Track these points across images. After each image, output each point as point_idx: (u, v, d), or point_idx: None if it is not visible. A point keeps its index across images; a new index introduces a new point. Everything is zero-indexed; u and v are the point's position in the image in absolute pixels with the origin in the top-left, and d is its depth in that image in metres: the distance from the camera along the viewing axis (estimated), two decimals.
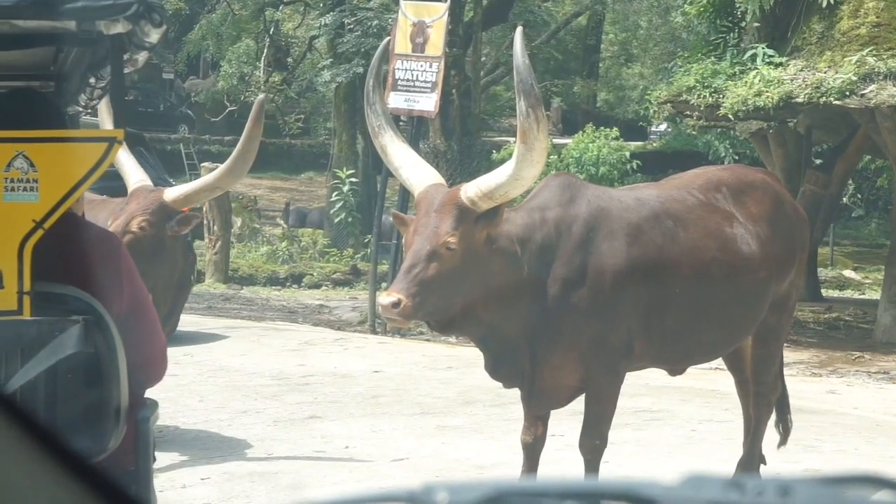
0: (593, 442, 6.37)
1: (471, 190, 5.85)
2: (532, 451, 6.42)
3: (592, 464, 6.40)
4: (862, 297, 21.08)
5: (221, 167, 8.26)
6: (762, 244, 6.75)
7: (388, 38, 7.34)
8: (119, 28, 3.68)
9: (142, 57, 4.26)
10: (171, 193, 7.96)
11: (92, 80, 4.65)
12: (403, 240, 6.16)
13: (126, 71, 4.29)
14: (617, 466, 7.68)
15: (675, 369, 7.13)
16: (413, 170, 6.18)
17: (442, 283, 5.74)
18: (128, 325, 3.46)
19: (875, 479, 1.40)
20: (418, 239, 5.79)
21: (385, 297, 5.70)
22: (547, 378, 6.20)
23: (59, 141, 3.60)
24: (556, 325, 6.07)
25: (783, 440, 7.55)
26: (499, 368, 6.23)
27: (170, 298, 8.19)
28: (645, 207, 6.40)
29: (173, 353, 9.82)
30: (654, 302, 6.33)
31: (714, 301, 6.62)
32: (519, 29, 6.13)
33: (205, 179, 8.33)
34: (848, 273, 24.17)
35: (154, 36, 3.82)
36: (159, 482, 7.52)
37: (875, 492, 1.42)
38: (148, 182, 8.06)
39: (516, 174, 5.81)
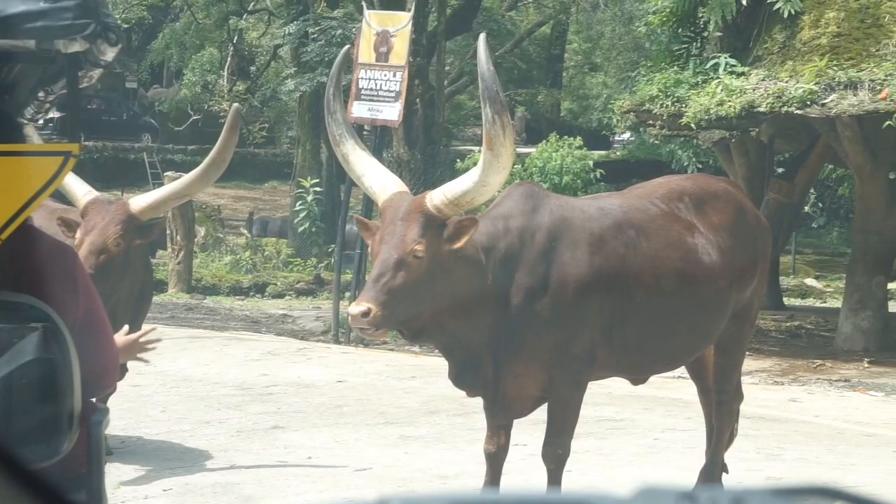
0: (556, 451, 6.38)
1: (436, 197, 5.86)
2: (495, 461, 6.42)
3: (555, 473, 6.40)
4: (823, 305, 21.20)
5: (191, 174, 8.26)
6: (723, 254, 6.77)
7: (347, 46, 7.34)
8: (76, 47, 3.78)
9: (96, 73, 4.32)
10: (138, 204, 7.95)
11: (41, 95, 4.69)
12: (369, 248, 6.10)
13: (81, 86, 4.33)
14: (580, 475, 7.69)
15: (638, 378, 7.15)
16: (376, 178, 6.18)
17: (410, 291, 5.75)
18: (82, 334, 3.52)
19: (828, 491, 1.41)
20: (385, 248, 5.79)
21: (354, 307, 5.69)
22: (510, 387, 6.21)
23: (14, 155, 3.63)
24: (519, 333, 6.08)
25: (726, 447, 7.56)
26: (462, 377, 6.24)
27: (132, 309, 8.16)
28: (607, 217, 6.42)
29: (135, 363, 9.79)
30: (617, 311, 6.34)
31: (675, 310, 6.64)
32: (482, 36, 6.12)
33: (172, 187, 8.30)
34: (809, 281, 24.31)
35: (110, 54, 3.91)
36: (122, 493, 7.50)
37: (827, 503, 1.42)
38: (96, 192, 8.05)
39: (482, 181, 5.82)
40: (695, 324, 6.80)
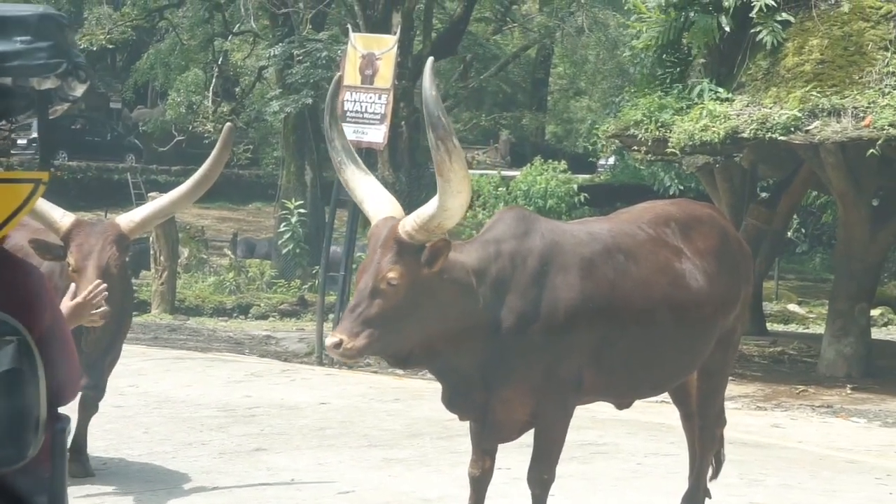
0: (542, 476, 6.37)
1: (408, 224, 5.86)
2: (479, 485, 6.39)
3: (540, 498, 6.39)
4: (806, 331, 21.25)
5: (177, 191, 8.29)
6: (709, 279, 6.78)
7: (339, 73, 7.34)
8: (49, 84, 4.06)
9: (63, 107, 4.65)
10: (127, 223, 7.93)
11: (3, 124, 5.01)
12: (355, 277, 6.08)
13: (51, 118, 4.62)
14: (563, 499, 7.68)
15: (623, 403, 7.14)
16: (372, 203, 6.16)
17: (386, 319, 5.73)
18: (46, 347, 3.76)
19: None
20: (364, 276, 5.81)
21: (329, 339, 5.72)
22: (499, 411, 6.19)
23: None
24: (510, 358, 6.07)
25: (715, 473, 7.56)
26: (455, 400, 6.22)
27: (113, 327, 8.06)
28: (597, 241, 6.42)
29: (118, 383, 9.77)
30: (605, 336, 6.33)
31: (663, 335, 6.64)
32: (429, 61, 6.07)
33: (158, 204, 8.31)
34: (792, 307, 24.36)
35: (79, 91, 4.22)
36: None
37: None
38: (72, 215, 7.99)
39: (442, 205, 5.81)
40: (682, 349, 6.81)
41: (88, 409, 8.53)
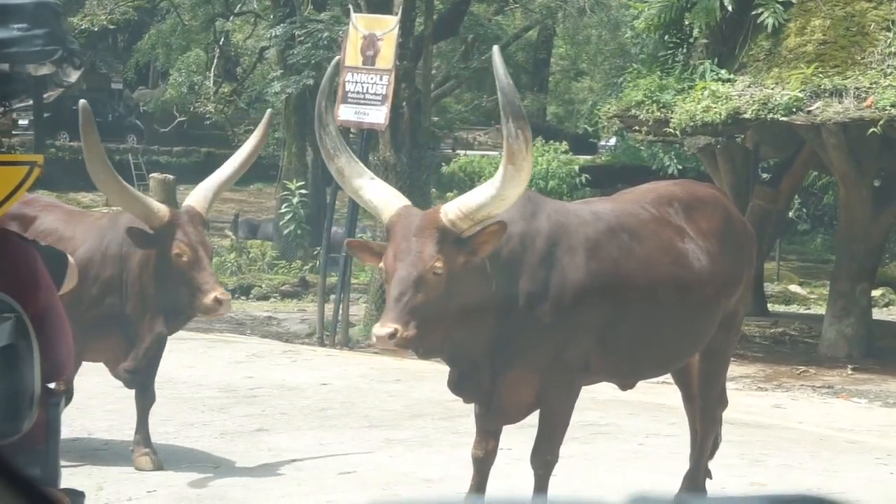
0: (545, 457, 6.37)
1: (451, 211, 5.80)
2: (483, 466, 6.38)
3: (543, 479, 6.40)
4: (807, 311, 21.25)
5: (226, 167, 8.50)
6: (712, 260, 6.78)
7: (337, 56, 7.44)
8: (45, 70, 4.15)
9: (57, 93, 4.81)
10: (202, 207, 8.10)
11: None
12: (381, 265, 5.90)
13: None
14: (565, 480, 7.69)
15: (626, 384, 7.14)
16: (376, 193, 6.10)
17: (432, 308, 5.69)
18: (42, 325, 3.91)
19: (813, 500, 1.41)
20: (402, 265, 5.71)
21: (380, 329, 5.60)
22: (506, 393, 6.18)
23: None
24: (519, 339, 6.05)
25: (711, 454, 7.57)
26: (462, 384, 6.20)
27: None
28: (601, 222, 6.41)
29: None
30: (610, 317, 6.33)
31: (667, 315, 6.64)
32: (496, 49, 6.04)
33: (214, 183, 8.40)
34: (794, 288, 24.36)
35: (73, 77, 4.32)
36: (105, 495, 7.49)
37: None
38: (162, 205, 8.17)
39: (501, 194, 5.76)
40: (686, 329, 6.81)
41: (146, 407, 8.46)
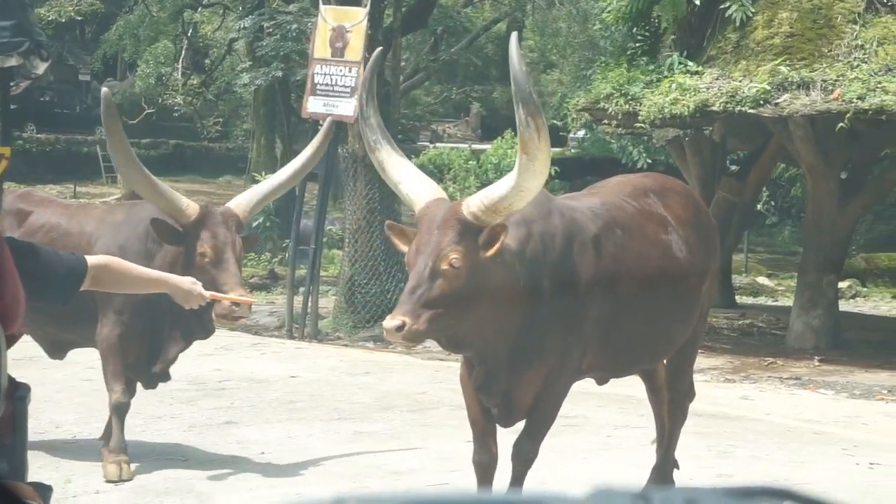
0: (528, 454, 6.31)
1: (473, 204, 5.70)
2: (488, 472, 6.28)
3: (522, 474, 6.33)
4: (775, 303, 21.35)
5: (281, 174, 8.36)
6: (690, 249, 6.82)
7: (379, 49, 7.27)
8: (12, 62, 4.16)
9: (24, 84, 4.82)
10: (243, 211, 7.81)
11: None
12: (406, 257, 5.81)
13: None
14: (533, 472, 7.69)
15: (603, 378, 7.14)
16: (413, 185, 6.00)
17: (447, 302, 5.59)
18: None
19: (778, 492, 1.42)
20: (421, 258, 5.63)
21: (389, 321, 5.52)
22: (521, 393, 6.12)
23: None
24: (540, 338, 5.99)
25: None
26: (488, 384, 6.09)
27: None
28: (599, 218, 6.35)
29: (89, 357, 9.74)
30: (611, 312, 6.28)
31: (658, 307, 6.65)
32: (514, 35, 5.96)
33: (263, 189, 8.20)
34: (761, 280, 24.48)
35: (41, 69, 4.30)
36: (73, 488, 7.46)
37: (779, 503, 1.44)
38: (192, 202, 7.75)
39: (519, 185, 5.67)
40: (675, 319, 6.83)
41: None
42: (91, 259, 5.00)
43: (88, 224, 8.01)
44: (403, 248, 5.91)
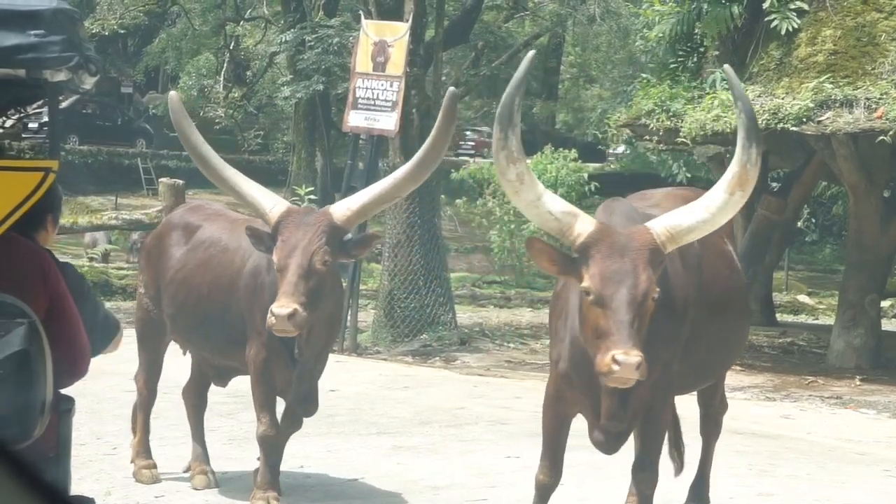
0: (652, 476, 6.25)
1: (662, 232, 5.51)
2: (548, 492, 6.24)
3: (648, 498, 6.25)
4: (816, 322, 21.23)
5: (400, 172, 7.16)
6: (738, 262, 6.83)
7: (532, 52, 6.57)
8: (61, 76, 4.23)
9: (71, 99, 4.94)
10: (341, 212, 6.97)
11: (12, 113, 5.23)
12: (591, 283, 5.43)
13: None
14: (575, 488, 7.68)
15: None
16: (559, 206, 5.63)
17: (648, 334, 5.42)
18: (51, 327, 3.95)
19: None
20: (627, 290, 5.33)
21: (626, 358, 5.22)
22: (635, 412, 6.00)
23: (2, 170, 4.07)
24: (655, 353, 5.76)
25: (679, 467, 7.46)
26: (619, 412, 5.87)
27: (324, 333, 7.39)
28: None
29: (128, 368, 9.75)
30: (694, 324, 6.15)
31: (726, 320, 6.58)
32: (727, 68, 5.87)
33: (378, 189, 7.18)
34: (802, 298, 24.34)
35: (89, 83, 4.39)
36: (113, 500, 7.49)
37: None
38: (286, 202, 7.17)
39: (713, 220, 5.58)
40: (738, 332, 6.85)
41: (293, 425, 7.67)
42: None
43: (245, 239, 7.31)
44: (549, 268, 5.63)
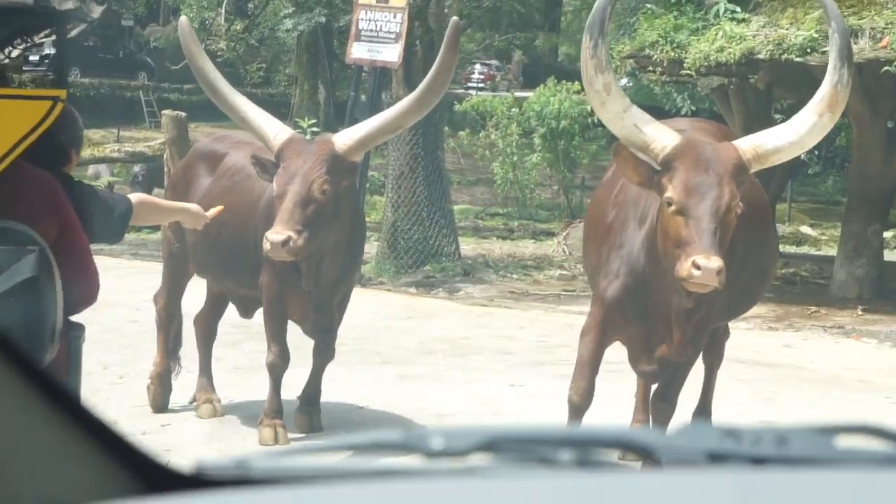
0: (671, 406, 6.30)
1: (748, 150, 5.53)
2: (580, 415, 6.26)
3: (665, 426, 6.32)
4: (818, 252, 21.25)
5: (403, 102, 7.16)
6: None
7: None
8: (69, 4, 4.18)
9: (78, 28, 4.94)
10: (344, 142, 6.93)
11: (18, 42, 5.26)
12: (675, 194, 5.43)
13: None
14: (590, 416, 7.72)
15: None
16: (645, 119, 5.65)
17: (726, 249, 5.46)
18: (61, 255, 3.96)
19: (870, 430, 1.43)
20: (711, 202, 5.37)
21: (709, 262, 5.24)
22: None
23: (7, 98, 4.08)
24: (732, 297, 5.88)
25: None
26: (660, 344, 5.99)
27: (339, 262, 7.34)
28: None
29: (135, 299, 9.79)
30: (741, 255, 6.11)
31: (763, 250, 6.57)
32: None
33: (382, 119, 7.17)
34: (805, 229, 24.35)
35: (96, 12, 4.34)
36: (121, 428, 7.54)
37: (870, 441, 1.45)
38: (290, 130, 7.18)
39: (801, 142, 5.59)
40: (771, 261, 6.87)
41: (323, 356, 7.86)
42: (132, 197, 5.16)
43: (240, 153, 7.57)
44: (631, 176, 5.60)
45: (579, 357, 6.28)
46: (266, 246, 6.57)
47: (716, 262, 5.21)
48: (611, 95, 5.67)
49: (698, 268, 5.23)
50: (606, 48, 5.69)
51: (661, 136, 5.56)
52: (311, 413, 7.75)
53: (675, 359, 6.02)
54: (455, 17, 7.64)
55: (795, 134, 5.57)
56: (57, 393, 1.42)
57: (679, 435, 1.42)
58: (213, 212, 5.95)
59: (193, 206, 5.68)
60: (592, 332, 6.23)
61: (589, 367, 6.24)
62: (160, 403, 8.15)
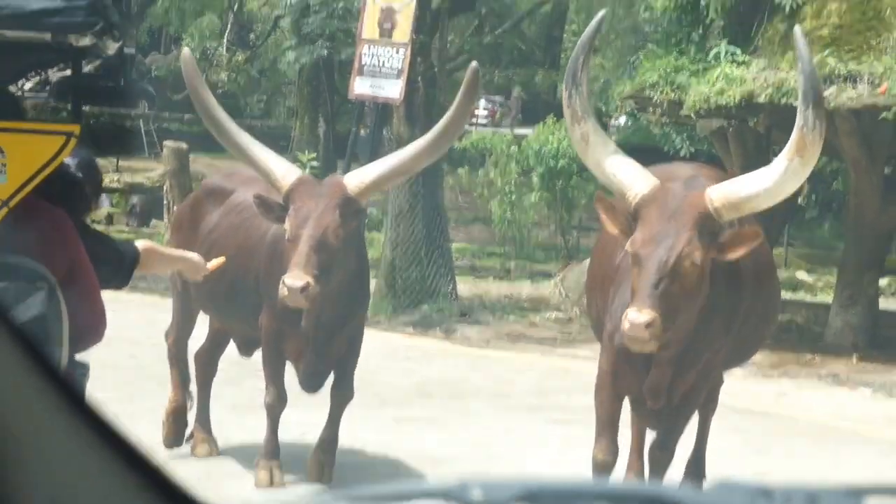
0: (669, 456, 6.31)
1: (717, 198, 5.41)
2: (607, 472, 6.11)
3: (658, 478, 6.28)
4: (814, 299, 21.24)
5: (417, 145, 7.09)
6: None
7: (602, 11, 6.49)
8: (86, 41, 4.29)
9: (94, 64, 5.13)
10: (356, 184, 6.82)
11: (32, 75, 5.36)
12: (632, 246, 5.41)
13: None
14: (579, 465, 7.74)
15: None
16: (623, 167, 5.62)
17: (685, 300, 5.36)
18: (68, 290, 4.00)
19: None
20: (660, 250, 5.29)
21: (638, 316, 5.16)
22: (685, 391, 6.00)
23: (26, 132, 4.18)
24: (711, 336, 5.82)
25: None
26: (661, 384, 5.90)
27: (340, 307, 7.19)
28: None
29: (135, 334, 9.80)
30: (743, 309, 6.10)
31: (765, 300, 6.53)
32: (797, 30, 5.76)
33: (395, 161, 7.08)
34: (801, 275, 24.34)
35: (111, 49, 4.44)
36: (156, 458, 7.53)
37: None
38: (298, 170, 7.09)
39: (778, 189, 5.47)
40: (772, 310, 6.85)
41: (336, 397, 7.85)
42: (139, 245, 5.18)
43: (251, 189, 7.40)
44: (611, 226, 5.56)
45: (598, 415, 6.20)
46: (283, 291, 6.46)
47: (644, 316, 5.11)
48: (589, 145, 5.69)
49: (628, 321, 5.16)
50: (583, 98, 5.67)
51: (636, 185, 5.52)
52: (324, 464, 7.60)
53: (650, 405, 5.96)
54: (474, 63, 7.60)
55: (770, 180, 5.50)
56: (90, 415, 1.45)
57: (713, 493, 1.45)
58: (213, 264, 5.84)
59: (195, 256, 5.70)
60: (606, 387, 6.15)
61: (609, 425, 6.15)
62: (173, 440, 8.13)
